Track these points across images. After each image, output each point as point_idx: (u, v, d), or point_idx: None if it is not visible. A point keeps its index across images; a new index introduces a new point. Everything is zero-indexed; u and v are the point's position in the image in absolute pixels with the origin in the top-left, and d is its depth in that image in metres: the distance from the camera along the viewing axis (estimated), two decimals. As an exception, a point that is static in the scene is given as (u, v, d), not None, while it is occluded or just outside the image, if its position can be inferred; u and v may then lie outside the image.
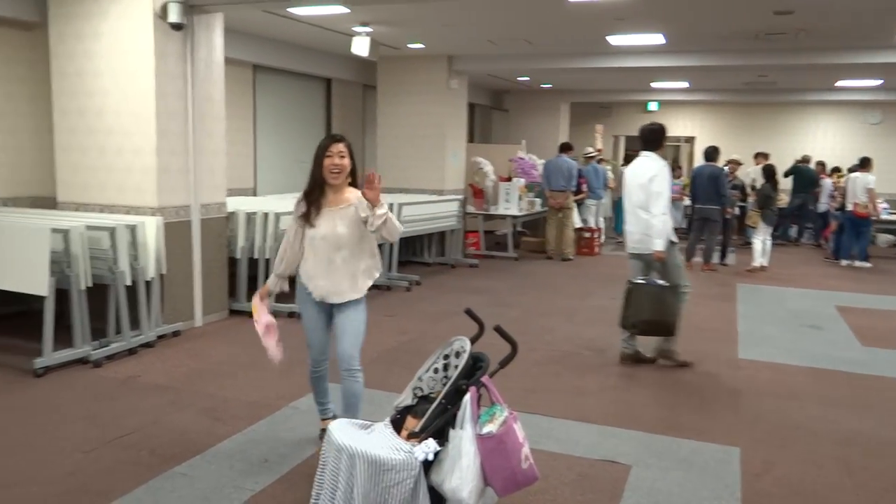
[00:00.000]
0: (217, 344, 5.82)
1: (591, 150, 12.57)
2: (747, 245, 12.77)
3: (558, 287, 8.79)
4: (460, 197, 10.22)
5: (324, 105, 10.76)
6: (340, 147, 3.41)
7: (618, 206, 13.00)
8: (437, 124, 10.33)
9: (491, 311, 7.31)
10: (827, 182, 13.01)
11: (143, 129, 5.83)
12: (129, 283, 5.38)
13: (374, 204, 3.26)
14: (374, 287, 8.12)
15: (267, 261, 6.74)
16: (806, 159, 13.66)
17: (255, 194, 9.31)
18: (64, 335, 5.19)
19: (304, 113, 10.37)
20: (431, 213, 9.09)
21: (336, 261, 3.40)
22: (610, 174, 13.08)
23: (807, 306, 7.97)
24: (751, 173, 12.49)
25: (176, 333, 5.98)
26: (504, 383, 4.56)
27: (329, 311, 3.56)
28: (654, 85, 13.47)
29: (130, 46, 5.81)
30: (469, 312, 3.03)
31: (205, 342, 5.86)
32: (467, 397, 2.63)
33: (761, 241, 10.41)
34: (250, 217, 6.74)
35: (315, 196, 3.42)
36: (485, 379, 2.73)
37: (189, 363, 5.29)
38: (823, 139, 15.77)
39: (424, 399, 2.85)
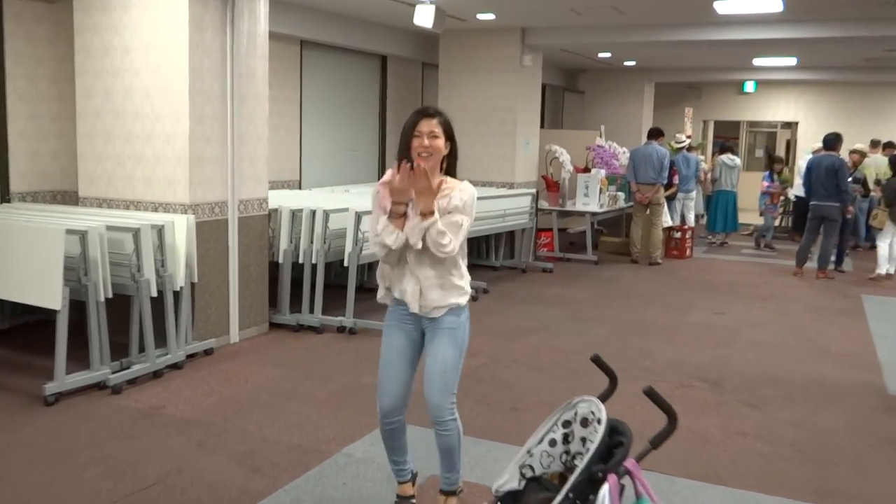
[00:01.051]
0: (255, 365, 5.33)
1: (682, 137, 11.79)
2: (856, 248, 11.94)
3: (649, 297, 8.09)
4: (532, 191, 9.58)
5: (378, 85, 10.25)
6: (433, 124, 2.92)
7: (714, 200, 12.18)
8: (508, 107, 9.70)
9: (572, 326, 6.71)
10: None
11: (176, 112, 5.38)
12: (154, 293, 4.92)
13: (423, 207, 2.82)
14: None
15: (314, 266, 6.24)
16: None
17: (299, 187, 8.86)
18: (82, 351, 4.77)
19: (356, 94, 9.87)
20: (500, 210, 8.48)
21: (415, 263, 2.97)
22: (704, 164, 12.28)
23: None
24: (872, 165, 11.50)
25: (208, 352, 5.52)
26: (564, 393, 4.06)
27: (420, 336, 3.08)
28: (756, 62, 12.56)
29: (163, 17, 5.36)
30: (597, 361, 2.41)
31: (241, 363, 5.38)
32: (605, 490, 2.01)
33: (888, 244, 9.50)
34: (295, 215, 6.26)
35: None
36: (629, 463, 2.10)
37: (221, 390, 4.80)
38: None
39: (536, 482, 2.24)
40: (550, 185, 10.42)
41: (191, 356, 5.34)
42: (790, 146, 16.86)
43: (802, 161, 13.01)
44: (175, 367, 5.15)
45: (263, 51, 6.02)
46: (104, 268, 4.71)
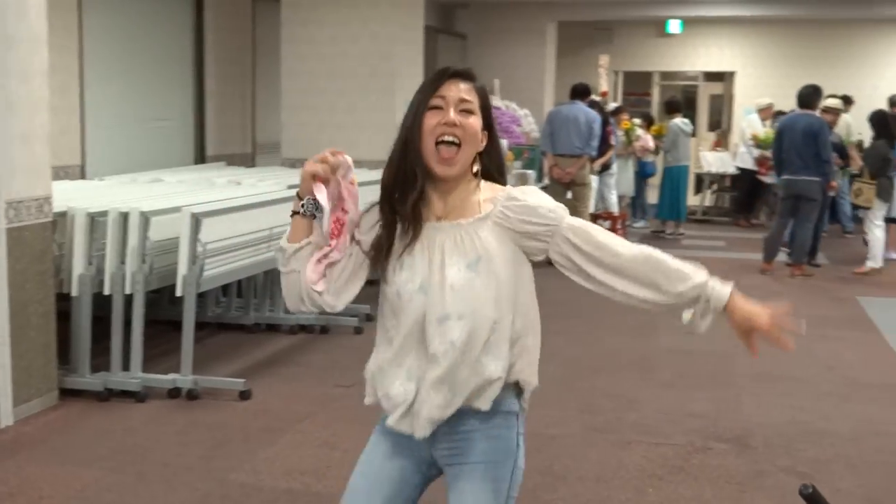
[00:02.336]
0: (50, 466, 4.42)
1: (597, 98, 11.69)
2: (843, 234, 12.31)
3: (597, 315, 7.64)
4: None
5: (191, 28, 9.35)
6: (464, 90, 2.25)
7: (666, 178, 12.23)
8: (382, 53, 9.05)
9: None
10: None
11: None
12: None
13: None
14: (304, 330, 7.13)
15: (128, 298, 5.36)
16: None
17: (83, 176, 7.89)
18: None
19: (161, 41, 8.96)
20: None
21: (445, 338, 2.22)
22: (639, 131, 12.23)
23: None
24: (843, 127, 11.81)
25: (-32, 447, 4.53)
26: None
27: (423, 463, 2.39)
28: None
29: None
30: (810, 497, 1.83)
31: (24, 463, 4.45)
32: None
33: (881, 226, 9.66)
34: (96, 221, 5.35)
35: (405, 199, 2.26)
36: None
37: (3, 516, 3.87)
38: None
39: None
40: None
41: (-61, 458, 4.35)
42: (725, 102, 17.26)
43: (748, 121, 13.30)
44: (-86, 480, 4.15)
45: (34, -34, 5.08)
46: None
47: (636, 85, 18.29)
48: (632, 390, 5.70)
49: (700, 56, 16.63)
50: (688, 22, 15.78)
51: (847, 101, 12.55)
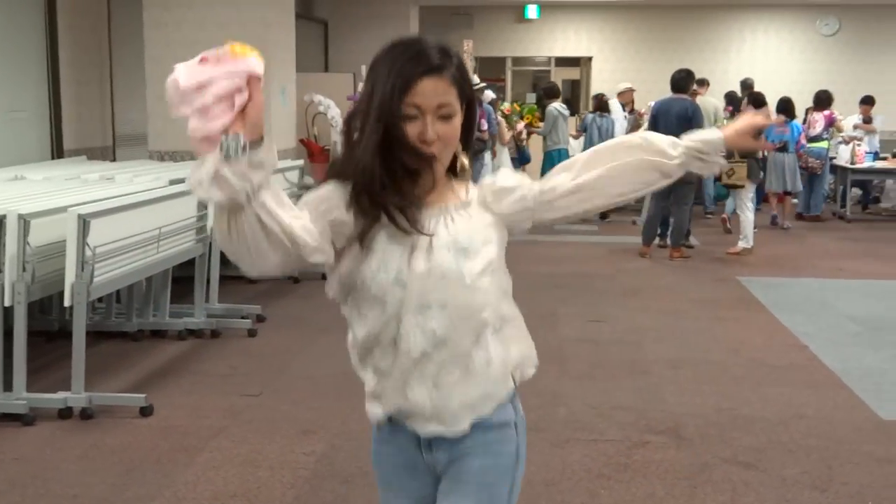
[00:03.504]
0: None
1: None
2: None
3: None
4: (299, 163, 8.69)
5: (44, 13, 8.65)
6: (442, 86, 1.90)
7: (547, 163, 12.18)
8: (256, 38, 8.59)
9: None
10: None
11: None
12: None
13: None
14: (193, 334, 6.66)
15: (9, 310, 4.82)
16: (749, 84, 13.55)
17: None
18: None
19: (9, 29, 8.23)
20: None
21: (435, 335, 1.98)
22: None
23: (870, 310, 7.61)
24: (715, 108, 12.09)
25: None
26: None
27: (433, 474, 2.12)
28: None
29: None
30: None
31: None
32: None
33: (751, 208, 9.93)
34: (-34, 226, 4.79)
35: (371, 201, 1.93)
36: None
37: None
38: (764, 56, 15.92)
39: None
40: (316, 152, 9.58)
41: None
42: (582, 87, 17.46)
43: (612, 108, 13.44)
44: None
45: None
46: None
47: (490, 71, 18.25)
48: (553, 384, 5.52)
49: (557, 41, 16.76)
50: (545, 7, 15.88)
51: (702, 83, 12.83)
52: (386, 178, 1.88)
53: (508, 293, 2.09)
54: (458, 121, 1.93)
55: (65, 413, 4.90)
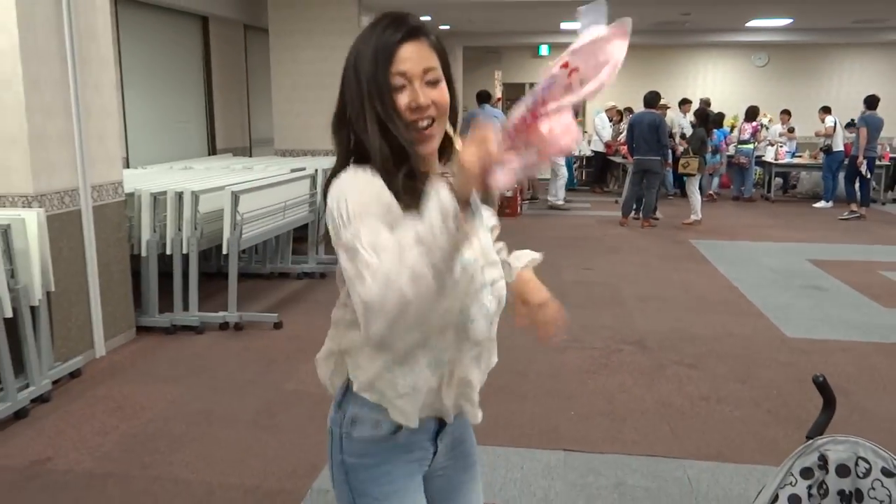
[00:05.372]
0: (142, 384, 4.16)
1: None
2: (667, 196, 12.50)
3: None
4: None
5: (201, 49, 8.82)
6: (424, 51, 1.31)
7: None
8: (349, 71, 8.73)
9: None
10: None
11: (4, 75, 3.95)
12: (8, 314, 3.60)
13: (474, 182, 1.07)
14: (307, 276, 6.92)
15: (185, 256, 5.08)
16: (706, 101, 13.40)
17: (127, 165, 7.39)
18: None
19: (179, 60, 8.40)
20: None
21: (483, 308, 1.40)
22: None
23: (784, 263, 7.52)
24: (674, 119, 11.96)
25: (75, 374, 4.23)
26: (545, 406, 3.45)
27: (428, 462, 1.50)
28: (564, 26, 12.52)
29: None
30: (823, 385, 1.73)
31: (122, 383, 4.18)
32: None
33: (697, 190, 9.91)
34: (157, 199, 5.02)
35: (402, 170, 1.33)
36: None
37: (118, 424, 3.63)
38: (713, 82, 15.70)
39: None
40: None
41: (56, 382, 4.05)
42: (580, 104, 17.32)
43: (599, 119, 13.38)
44: (41, 400, 3.86)
45: (103, 2, 4.67)
46: (-66, 287, 3.34)
47: (515, 93, 18.18)
48: (556, 311, 5.67)
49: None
50: (553, 46, 15.73)
51: (685, 102, 12.65)
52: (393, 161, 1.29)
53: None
54: (445, 86, 1.33)
55: (223, 326, 5.16)
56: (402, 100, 1.29)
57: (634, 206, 9.97)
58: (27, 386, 3.78)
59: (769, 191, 12.69)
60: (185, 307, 5.15)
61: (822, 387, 1.64)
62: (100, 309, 4.57)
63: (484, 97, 9.99)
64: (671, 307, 5.81)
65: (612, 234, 9.26)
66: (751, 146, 12.11)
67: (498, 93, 14.02)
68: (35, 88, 4.04)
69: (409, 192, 1.26)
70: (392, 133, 1.28)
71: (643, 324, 5.35)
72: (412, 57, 1.29)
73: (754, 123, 12.15)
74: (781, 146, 12.41)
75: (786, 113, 12.72)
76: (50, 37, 4.16)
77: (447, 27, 12.83)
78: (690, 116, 12.01)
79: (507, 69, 16.48)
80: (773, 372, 4.40)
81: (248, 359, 4.57)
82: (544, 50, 15.81)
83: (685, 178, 10.39)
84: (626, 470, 3.17)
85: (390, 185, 1.26)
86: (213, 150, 8.88)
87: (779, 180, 13.13)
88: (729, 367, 4.47)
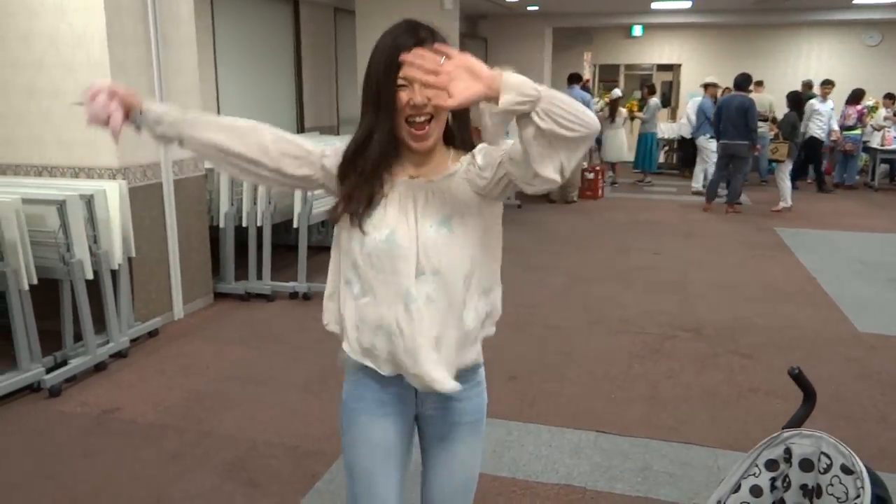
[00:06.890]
0: (210, 345, 4.43)
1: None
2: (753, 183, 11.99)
3: (587, 240, 7.60)
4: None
5: (292, 34, 9.09)
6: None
7: (643, 140, 11.96)
8: (431, 53, 8.80)
9: (528, 277, 6.08)
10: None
11: (92, 58, 4.25)
12: (90, 275, 3.91)
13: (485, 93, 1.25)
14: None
15: (259, 229, 5.33)
16: (808, 84, 12.71)
17: (219, 141, 7.72)
18: (4, 347, 3.75)
19: (270, 43, 8.69)
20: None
21: (417, 296, 1.51)
22: (600, 102, 11.88)
23: (876, 255, 7.08)
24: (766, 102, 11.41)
25: (153, 334, 4.55)
26: (586, 387, 3.31)
27: (411, 423, 1.68)
28: (654, 6, 12.13)
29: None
30: (798, 377, 1.70)
31: (193, 343, 4.46)
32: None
33: (788, 177, 9.46)
34: (235, 174, 5.26)
35: (367, 167, 1.54)
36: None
37: (183, 381, 3.89)
38: (818, 62, 14.82)
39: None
40: (474, 132, 9.71)
41: (134, 340, 4.37)
42: (672, 88, 16.78)
43: (692, 103, 12.88)
44: (119, 355, 4.18)
45: (187, -12, 4.93)
46: (25, 250, 3.66)
47: (607, 74, 17.77)
48: (617, 295, 5.60)
49: (655, 52, 16.08)
50: (647, 27, 15.27)
51: (759, 83, 12.06)
52: (369, 150, 1.52)
53: (494, 258, 1.64)
54: None
55: (293, 295, 5.39)
56: (404, 97, 1.47)
57: (720, 192, 9.62)
58: (107, 342, 4.10)
59: (873, 178, 11.94)
60: (259, 276, 5.40)
61: (799, 379, 1.61)
62: (179, 275, 4.87)
63: (575, 79, 9.93)
64: (737, 295, 5.62)
65: (692, 218, 8.99)
66: (858, 132, 11.40)
67: (587, 74, 13.78)
68: (121, 70, 4.32)
69: (360, 185, 1.52)
70: (387, 128, 1.49)
71: (704, 311, 5.21)
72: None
73: (859, 107, 11.42)
74: (888, 131, 11.61)
75: (889, 97, 11.88)
76: (136, 22, 4.43)
77: (535, 8, 12.65)
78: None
79: (599, 50, 16.14)
80: (835, 367, 4.21)
81: (310, 327, 4.76)
82: (637, 30, 15.35)
83: (775, 163, 9.94)
84: (655, 455, 3.15)
85: (357, 169, 1.53)
86: (301, 129, 9.15)
87: (884, 167, 12.32)
88: (787, 359, 4.31)
